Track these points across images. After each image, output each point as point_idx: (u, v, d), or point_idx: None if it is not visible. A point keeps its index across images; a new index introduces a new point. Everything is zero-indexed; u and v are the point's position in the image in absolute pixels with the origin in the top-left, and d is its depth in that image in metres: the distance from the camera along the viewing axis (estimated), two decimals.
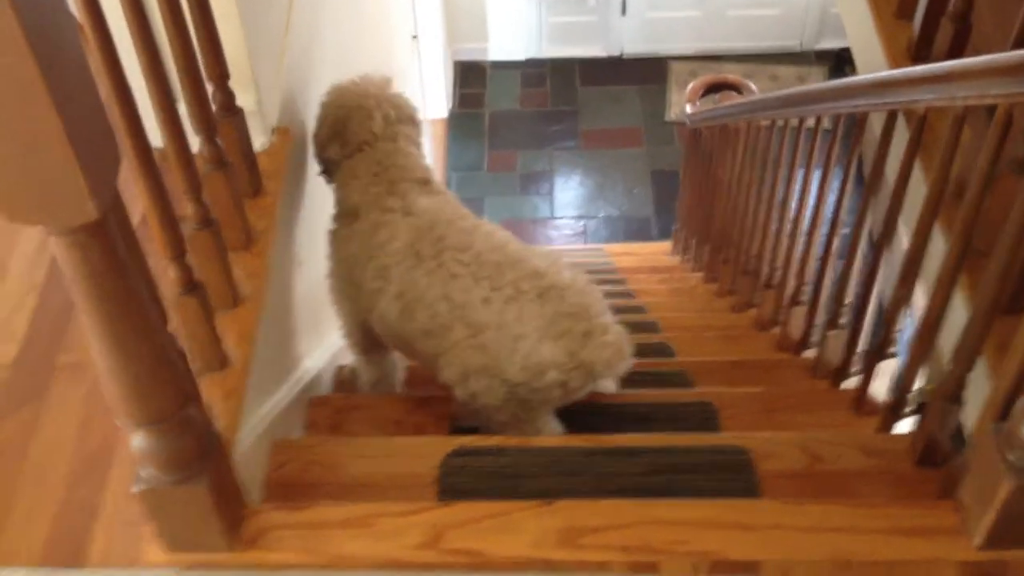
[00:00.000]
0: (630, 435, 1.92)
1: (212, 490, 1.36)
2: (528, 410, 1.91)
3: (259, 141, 1.91)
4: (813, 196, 2.51)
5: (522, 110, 6.28)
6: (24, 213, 0.97)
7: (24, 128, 0.88)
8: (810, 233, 2.53)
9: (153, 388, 1.22)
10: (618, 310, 3.58)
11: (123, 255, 1.09)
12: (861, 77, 1.94)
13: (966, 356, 1.55)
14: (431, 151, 5.61)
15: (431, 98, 5.88)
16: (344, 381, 2.56)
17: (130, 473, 1.50)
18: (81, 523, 1.49)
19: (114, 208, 1.06)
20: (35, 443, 1.58)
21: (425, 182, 2.05)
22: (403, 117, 2.13)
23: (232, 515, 1.45)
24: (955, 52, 1.90)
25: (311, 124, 2.23)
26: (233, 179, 1.68)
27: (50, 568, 1.44)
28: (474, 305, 1.85)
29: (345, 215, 2.08)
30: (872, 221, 2.19)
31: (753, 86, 4.29)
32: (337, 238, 2.11)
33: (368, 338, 2.20)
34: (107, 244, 1.04)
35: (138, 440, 1.29)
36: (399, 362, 2.43)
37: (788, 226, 2.72)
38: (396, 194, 2.00)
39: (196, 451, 1.34)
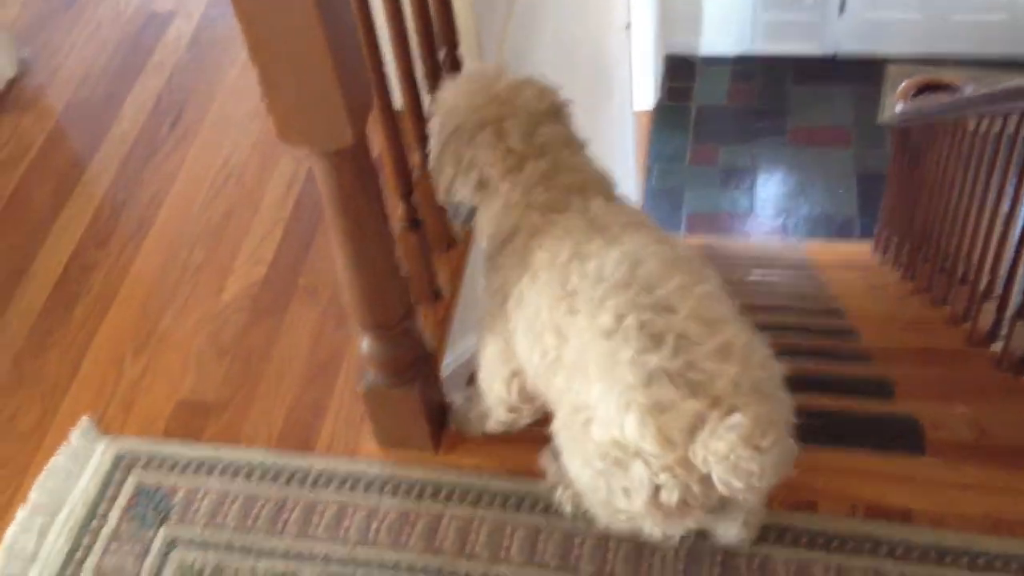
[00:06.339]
0: (807, 395, 1.99)
1: (422, 395, 1.58)
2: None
3: None
4: (1010, 195, 2.52)
5: (729, 105, 6.32)
6: (295, 134, 1.20)
7: (302, 62, 1.09)
8: (1005, 229, 2.54)
9: (383, 297, 1.44)
10: (803, 296, 3.63)
11: (368, 179, 1.31)
12: None
13: None
14: (634, 142, 5.74)
15: (639, 89, 6.00)
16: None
17: (354, 380, 1.75)
18: (311, 418, 1.74)
19: (364, 140, 1.28)
20: (276, 348, 1.84)
21: (610, 196, 1.47)
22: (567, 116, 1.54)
23: (436, 421, 1.66)
24: None
25: None
26: None
27: (284, 451, 1.70)
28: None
29: (502, 240, 1.46)
30: None
31: (968, 89, 4.22)
32: (489, 268, 1.51)
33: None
34: (357, 167, 1.26)
35: (366, 343, 1.52)
36: None
37: (985, 223, 2.73)
38: (574, 195, 1.42)
39: (412, 359, 1.56)
